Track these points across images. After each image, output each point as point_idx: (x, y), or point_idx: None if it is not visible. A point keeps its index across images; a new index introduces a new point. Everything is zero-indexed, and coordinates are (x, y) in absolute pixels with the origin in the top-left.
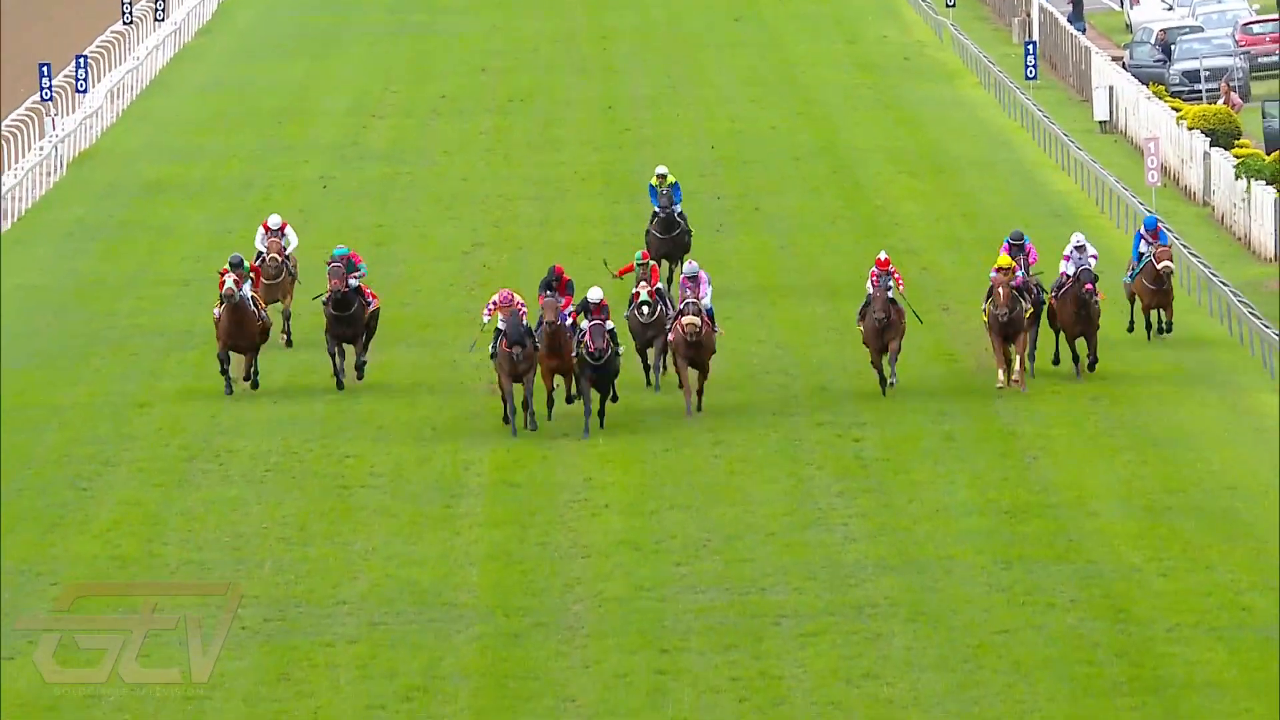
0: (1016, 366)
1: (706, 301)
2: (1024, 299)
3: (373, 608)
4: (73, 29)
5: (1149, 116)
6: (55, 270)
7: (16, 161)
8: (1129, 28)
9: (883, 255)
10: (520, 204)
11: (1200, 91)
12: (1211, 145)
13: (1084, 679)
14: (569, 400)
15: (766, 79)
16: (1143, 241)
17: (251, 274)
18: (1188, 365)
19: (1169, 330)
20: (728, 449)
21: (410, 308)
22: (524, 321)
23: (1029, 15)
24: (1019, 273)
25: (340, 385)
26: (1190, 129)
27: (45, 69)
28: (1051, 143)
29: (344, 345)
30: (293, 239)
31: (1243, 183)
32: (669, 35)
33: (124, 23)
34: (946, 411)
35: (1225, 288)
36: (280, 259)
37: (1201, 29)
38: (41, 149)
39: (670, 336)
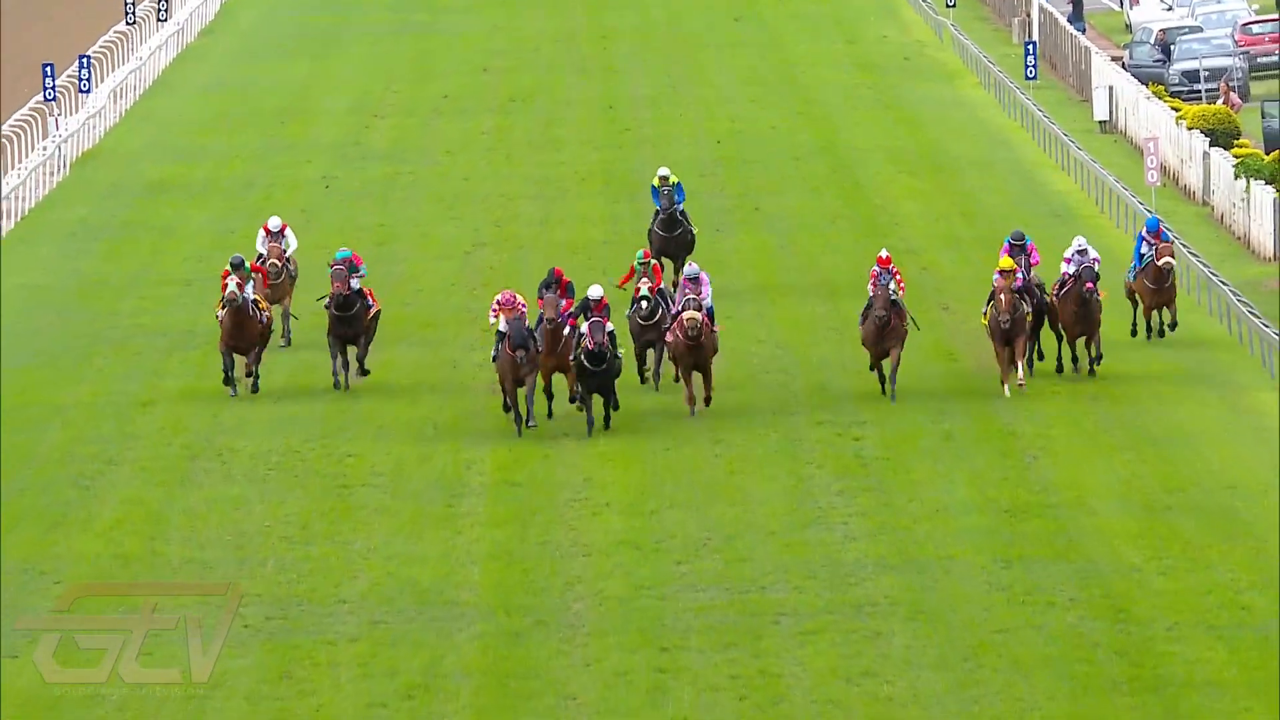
0: (1020, 374)
1: (707, 303)
2: (1025, 302)
3: (374, 606)
4: (74, 29)
5: (1148, 116)
6: (58, 270)
7: (20, 161)
8: (1129, 28)
9: (884, 253)
10: (521, 203)
11: (1200, 91)
12: (1211, 145)
13: (1083, 677)
14: (571, 400)
15: (766, 79)
16: (1144, 243)
17: (254, 274)
18: (1187, 364)
19: (1173, 329)
20: (728, 448)
21: (411, 307)
22: (526, 324)
23: (1029, 15)
24: (1020, 274)
25: (338, 385)
26: (1190, 129)
27: (49, 69)
28: (1051, 142)
29: (346, 347)
30: (292, 241)
31: (1242, 182)
32: (669, 35)
33: (127, 23)
34: (946, 410)
35: (1225, 287)
36: (280, 264)
37: (1201, 29)
38: (45, 149)
39: (669, 338)
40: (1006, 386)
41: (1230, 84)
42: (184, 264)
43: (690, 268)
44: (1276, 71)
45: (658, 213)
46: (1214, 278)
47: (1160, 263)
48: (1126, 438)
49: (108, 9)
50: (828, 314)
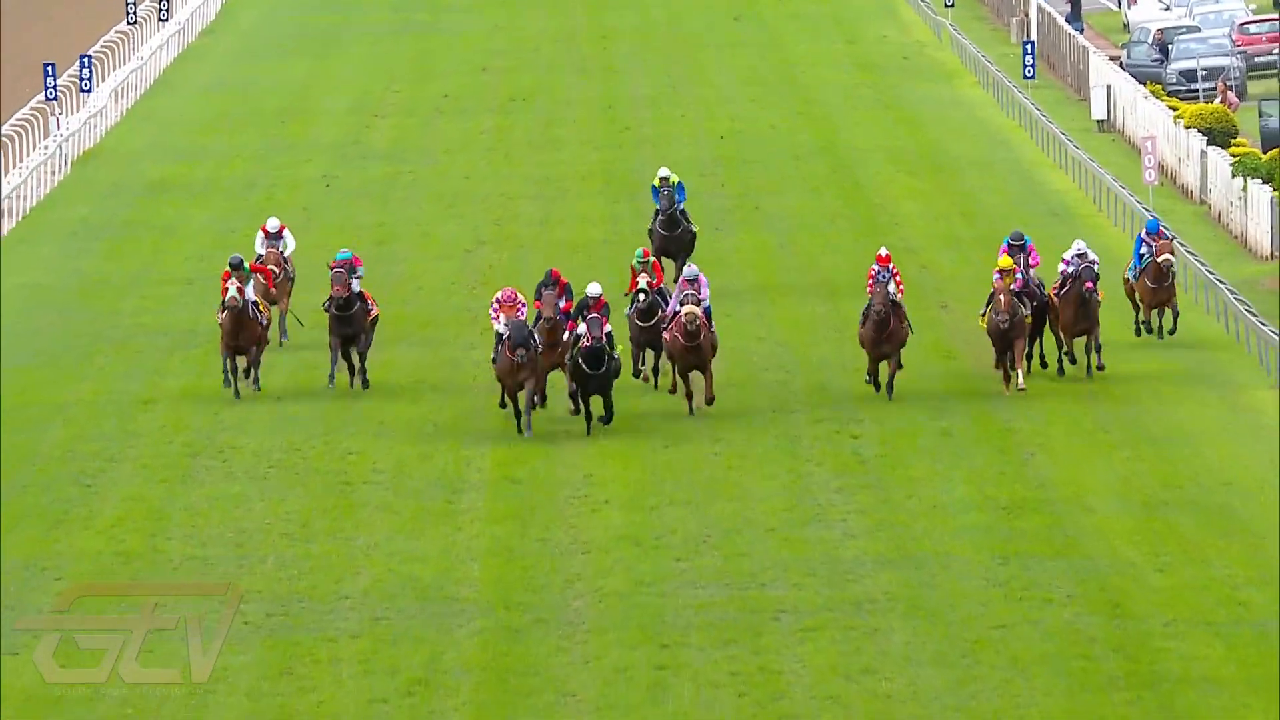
0: (1020, 381)
1: (705, 304)
2: (1025, 304)
3: (375, 603)
4: (73, 29)
5: (1146, 115)
6: (59, 269)
7: (21, 161)
8: (1126, 27)
9: (883, 251)
10: (521, 202)
11: (1197, 91)
12: (1208, 144)
13: (1081, 674)
14: (571, 399)
15: (766, 79)
16: (1144, 244)
17: (254, 274)
18: (1184, 363)
19: (1174, 333)
20: (727, 446)
21: (412, 306)
22: (526, 325)
23: (1027, 15)
24: (1019, 275)
25: (332, 382)
26: (1187, 128)
27: (50, 69)
28: (1049, 142)
29: (348, 349)
30: (290, 242)
31: (1239, 181)
32: (669, 35)
33: (128, 23)
34: (944, 408)
35: (1222, 286)
36: (280, 270)
37: (1198, 29)
38: (46, 148)
39: (666, 337)
40: (1007, 386)
41: (1228, 83)
42: (185, 263)
43: (690, 269)
44: (1274, 71)
45: (658, 212)
46: (1211, 276)
47: (1160, 260)
48: (1124, 435)
49: (109, 9)
50: (827, 313)
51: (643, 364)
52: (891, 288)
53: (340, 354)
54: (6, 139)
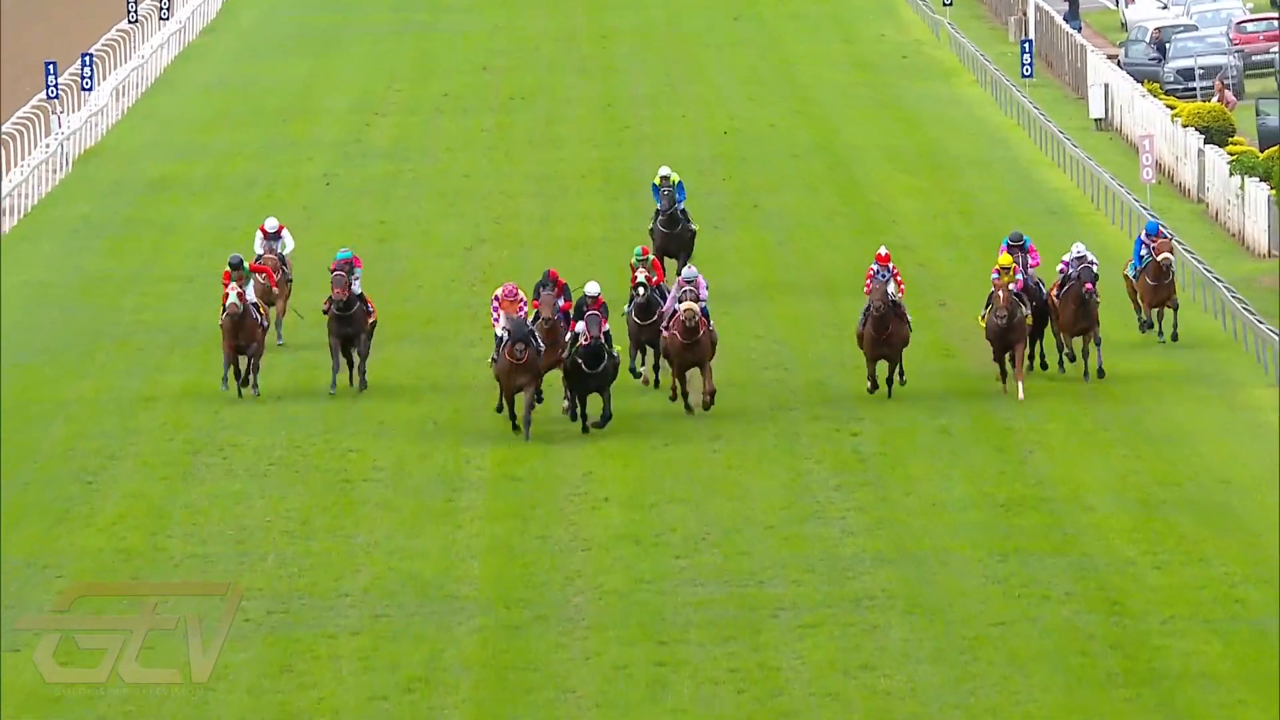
0: (1020, 391)
1: (703, 305)
2: (1025, 305)
3: (375, 600)
4: (73, 28)
5: (1144, 114)
6: (60, 267)
7: (23, 159)
8: (1124, 26)
9: (882, 250)
10: (521, 201)
11: (1195, 89)
12: (1206, 142)
13: (1079, 671)
14: (567, 407)
15: (765, 78)
16: (1144, 246)
17: (253, 274)
18: (1182, 361)
19: (1176, 339)
20: (726, 443)
21: (412, 304)
22: (526, 322)
23: (1025, 14)
24: (1019, 275)
25: (334, 387)
26: (1185, 126)
27: (51, 67)
28: (1047, 140)
29: (348, 349)
30: (289, 242)
31: (1237, 179)
32: (669, 35)
33: (129, 21)
34: (943, 406)
35: (1219, 284)
36: (277, 275)
37: (1196, 27)
38: (47, 146)
39: (665, 335)
40: (1004, 384)
41: (1225, 82)
42: (186, 261)
43: (689, 270)
44: (1271, 69)
45: (659, 212)
46: (1209, 274)
47: (1159, 259)
48: (1122, 433)
49: (110, 7)
50: (826, 311)
51: (642, 364)
52: (891, 287)
53: (340, 355)
54: (8, 137)
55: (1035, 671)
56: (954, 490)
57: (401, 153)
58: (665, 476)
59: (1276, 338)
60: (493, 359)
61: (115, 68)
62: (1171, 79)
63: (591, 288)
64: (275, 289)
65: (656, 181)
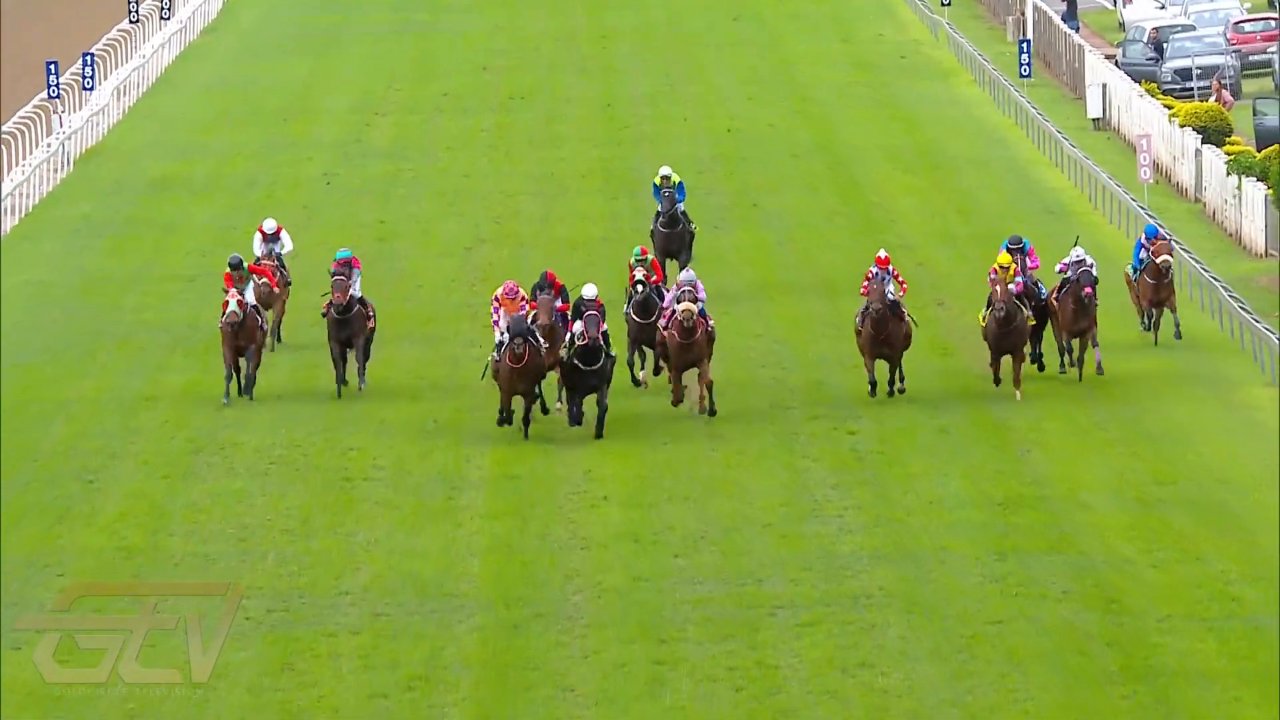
0: (1018, 394)
1: (701, 304)
2: (1025, 307)
3: (375, 599)
4: (74, 28)
5: (1141, 114)
6: (62, 266)
7: (24, 158)
8: (1122, 26)
9: (882, 253)
10: (521, 200)
11: (1192, 89)
12: (1203, 142)
13: (1076, 669)
14: (568, 408)
15: (764, 77)
16: (1143, 249)
17: (253, 275)
18: (1180, 360)
19: (1178, 337)
20: (725, 442)
21: (412, 303)
22: (525, 320)
23: (1023, 14)
24: (1019, 277)
25: (339, 393)
26: (1182, 126)
27: (52, 67)
28: (1045, 140)
29: (346, 351)
30: (287, 243)
31: (1234, 179)
32: (669, 35)
33: (130, 21)
34: (941, 405)
35: (1217, 283)
36: (276, 281)
37: (1193, 27)
38: (48, 146)
39: (663, 335)
40: (998, 383)
41: (1222, 82)
42: (186, 260)
43: (686, 274)
44: (1268, 69)
45: (659, 213)
46: (1206, 274)
47: (1159, 260)
48: (1120, 432)
49: (111, 7)
50: (825, 311)
51: (641, 368)
52: (892, 287)
53: (341, 359)
54: (9, 137)
55: (1033, 669)
56: (952, 489)
57: (401, 152)
58: (664, 475)
59: (1274, 337)
60: (493, 358)
61: (116, 67)
62: (1169, 79)
63: (589, 290)
64: (276, 289)
65: (657, 181)
